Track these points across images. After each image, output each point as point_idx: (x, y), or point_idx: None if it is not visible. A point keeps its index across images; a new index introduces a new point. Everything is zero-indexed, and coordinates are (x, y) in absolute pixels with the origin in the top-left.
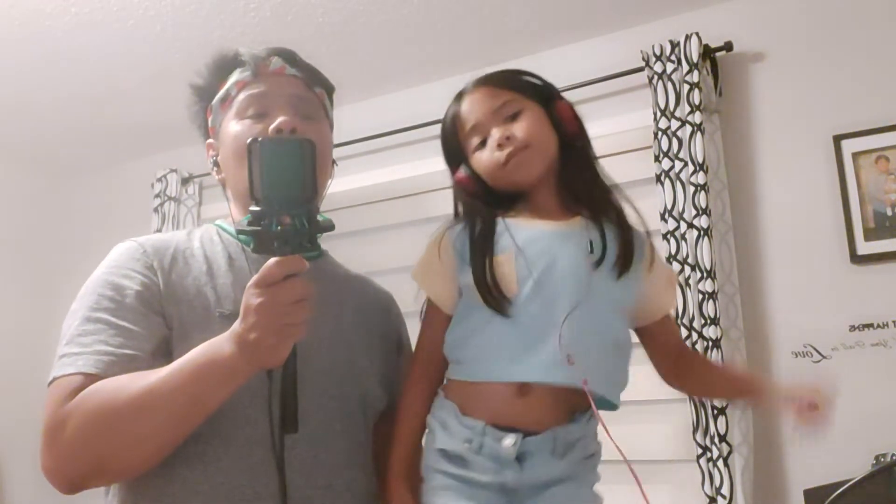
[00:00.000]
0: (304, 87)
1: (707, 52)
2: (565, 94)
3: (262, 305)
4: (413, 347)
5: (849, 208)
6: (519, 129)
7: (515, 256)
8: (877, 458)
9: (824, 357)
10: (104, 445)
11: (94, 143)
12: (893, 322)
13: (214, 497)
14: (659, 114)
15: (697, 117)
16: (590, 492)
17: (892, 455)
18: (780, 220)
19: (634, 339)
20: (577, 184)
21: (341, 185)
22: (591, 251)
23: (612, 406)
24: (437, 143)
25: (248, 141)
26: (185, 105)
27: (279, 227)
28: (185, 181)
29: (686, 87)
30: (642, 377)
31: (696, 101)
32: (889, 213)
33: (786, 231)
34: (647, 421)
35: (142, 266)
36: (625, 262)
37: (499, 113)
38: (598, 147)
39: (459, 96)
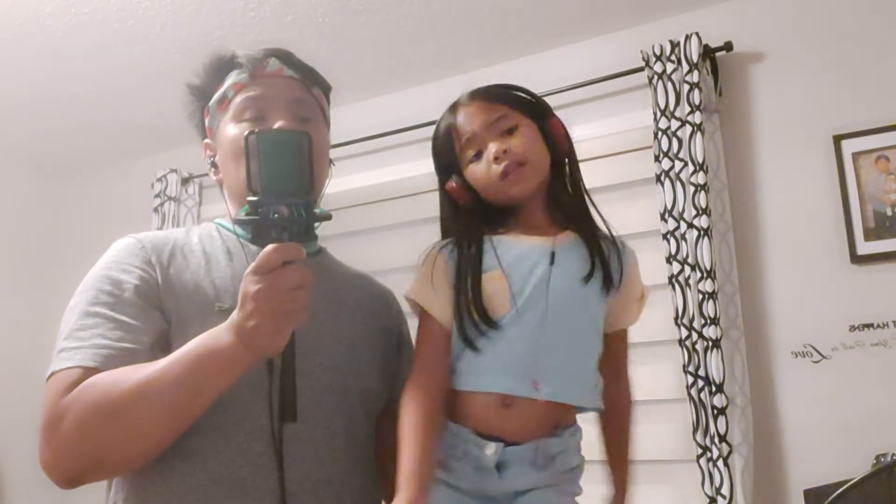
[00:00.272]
0: (301, 89)
1: (707, 52)
2: (565, 95)
3: (261, 292)
4: (413, 346)
5: (849, 208)
6: (516, 144)
7: (505, 274)
8: (877, 458)
9: (824, 357)
10: (102, 438)
11: (94, 143)
12: (893, 322)
13: (215, 490)
14: (659, 114)
15: (697, 117)
16: (569, 500)
17: (892, 455)
18: (780, 220)
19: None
20: (565, 199)
21: (341, 185)
22: (590, 271)
23: (593, 410)
24: None
25: (245, 134)
26: (183, 104)
27: (276, 217)
28: (185, 181)
29: (686, 87)
30: (642, 377)
31: (696, 101)
32: (889, 213)
33: (786, 231)
34: (647, 421)
35: (140, 261)
36: (611, 279)
37: (495, 127)
38: (598, 147)
39: (454, 108)
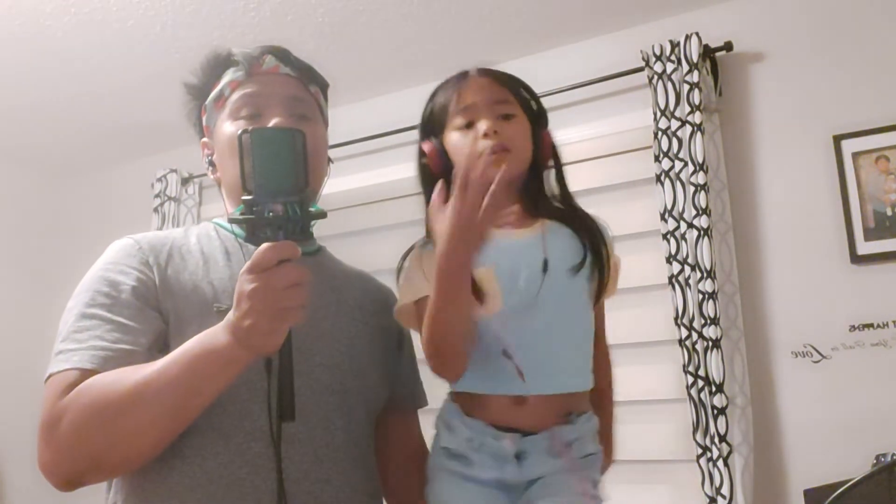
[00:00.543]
0: (298, 87)
1: (707, 52)
2: (565, 95)
3: (256, 290)
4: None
5: (849, 208)
6: (509, 130)
7: (495, 271)
8: (877, 458)
9: (824, 357)
10: (101, 439)
11: (94, 143)
12: (893, 322)
13: (214, 491)
14: (659, 114)
15: (697, 117)
16: (588, 484)
17: (893, 455)
18: (780, 220)
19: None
20: (540, 196)
21: (342, 185)
22: (582, 259)
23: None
24: None
25: (239, 132)
26: (181, 103)
27: (271, 215)
28: (185, 181)
29: (686, 87)
30: (643, 377)
31: (696, 101)
32: (889, 213)
33: (786, 231)
34: (647, 421)
35: (137, 262)
36: (602, 264)
37: (496, 107)
38: (598, 147)
39: (463, 75)
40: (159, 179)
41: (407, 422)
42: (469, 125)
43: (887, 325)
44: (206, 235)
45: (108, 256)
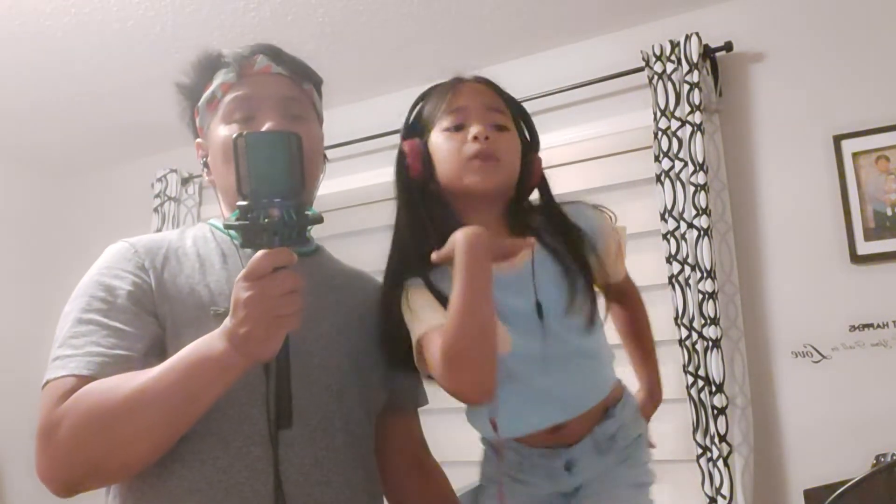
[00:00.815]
0: (291, 86)
1: (707, 52)
2: (565, 95)
3: (252, 298)
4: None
5: (849, 208)
6: (502, 140)
7: (499, 312)
8: (877, 458)
9: (824, 357)
10: (98, 446)
11: (94, 143)
12: (893, 322)
13: (213, 495)
14: (659, 114)
15: (697, 117)
16: (641, 469)
17: (893, 455)
18: (780, 220)
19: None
20: (526, 220)
21: (341, 185)
22: (570, 301)
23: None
24: None
25: (234, 136)
26: (175, 104)
27: (267, 220)
28: (185, 181)
29: (686, 87)
30: None
31: (696, 101)
32: (889, 213)
33: (786, 231)
34: None
35: (133, 266)
36: (590, 281)
37: (490, 114)
38: (598, 147)
39: (459, 78)
40: (159, 179)
41: (407, 421)
42: (458, 128)
43: (887, 325)
44: (202, 237)
45: (104, 261)
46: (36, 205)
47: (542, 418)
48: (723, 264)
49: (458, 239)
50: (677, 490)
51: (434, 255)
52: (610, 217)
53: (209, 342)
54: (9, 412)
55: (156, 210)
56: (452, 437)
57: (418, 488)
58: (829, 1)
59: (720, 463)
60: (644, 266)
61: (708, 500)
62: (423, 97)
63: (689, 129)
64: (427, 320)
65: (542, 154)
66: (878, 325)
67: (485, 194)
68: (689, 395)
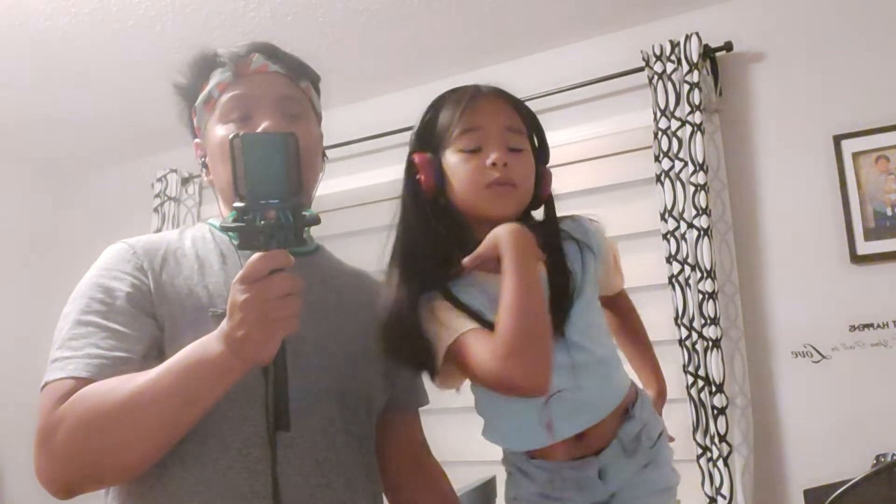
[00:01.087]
0: (288, 85)
1: (707, 52)
2: (565, 95)
3: (248, 301)
4: None
5: (849, 208)
6: (519, 164)
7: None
8: (877, 458)
9: (824, 357)
10: (96, 449)
11: (94, 143)
12: (893, 322)
13: (212, 497)
14: (659, 114)
15: (697, 117)
16: (665, 471)
17: (893, 455)
18: (780, 220)
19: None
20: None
21: (341, 185)
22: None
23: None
24: None
25: (231, 137)
26: (174, 104)
27: (263, 222)
28: (185, 181)
29: (686, 87)
30: None
31: (696, 101)
32: (889, 213)
33: (786, 231)
34: None
35: (132, 267)
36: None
37: (508, 136)
38: (598, 147)
39: (476, 92)
40: (159, 179)
41: (408, 422)
42: (475, 151)
43: (887, 325)
44: (201, 238)
45: (103, 262)
46: (36, 205)
47: (577, 423)
48: (723, 264)
49: (502, 235)
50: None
51: (467, 260)
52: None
53: (206, 345)
54: (8, 413)
55: (156, 210)
56: (452, 437)
57: (419, 488)
58: (829, 1)
59: (720, 463)
60: (644, 266)
61: (708, 500)
62: (435, 105)
63: (689, 129)
64: (459, 327)
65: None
66: (878, 325)
67: (502, 220)
68: (689, 395)
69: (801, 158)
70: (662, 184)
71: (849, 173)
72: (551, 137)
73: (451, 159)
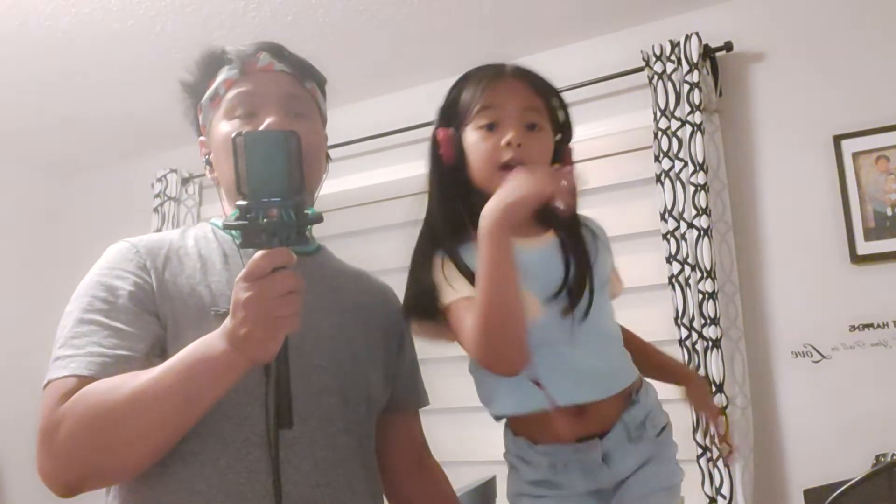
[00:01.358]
0: (293, 84)
1: (707, 52)
2: (565, 95)
3: (251, 299)
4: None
5: (849, 208)
6: (532, 145)
7: (525, 280)
8: (877, 458)
9: (824, 357)
10: (98, 447)
11: (94, 143)
12: (893, 322)
13: (213, 496)
14: (659, 114)
15: (697, 117)
16: (670, 468)
17: (893, 455)
18: (780, 220)
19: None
20: (549, 208)
21: (341, 185)
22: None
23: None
24: None
25: (233, 135)
26: (180, 102)
27: (265, 220)
28: (185, 181)
29: (686, 87)
30: None
31: (696, 101)
32: (889, 213)
33: (786, 231)
34: None
35: (134, 266)
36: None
37: (525, 115)
38: (598, 147)
39: (499, 71)
40: (159, 179)
41: (408, 422)
42: (492, 127)
43: (887, 325)
44: (203, 237)
45: (106, 261)
46: (36, 204)
47: (576, 391)
48: (723, 264)
49: (483, 215)
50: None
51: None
52: None
53: (209, 343)
54: (8, 413)
55: (156, 210)
56: (452, 437)
57: (419, 489)
58: (829, 1)
59: (720, 463)
60: (644, 266)
61: (708, 500)
62: (461, 81)
63: (689, 129)
64: (457, 290)
65: None
66: (878, 325)
67: None
68: None
69: (801, 158)
70: (662, 184)
71: (849, 173)
72: None
73: (470, 136)
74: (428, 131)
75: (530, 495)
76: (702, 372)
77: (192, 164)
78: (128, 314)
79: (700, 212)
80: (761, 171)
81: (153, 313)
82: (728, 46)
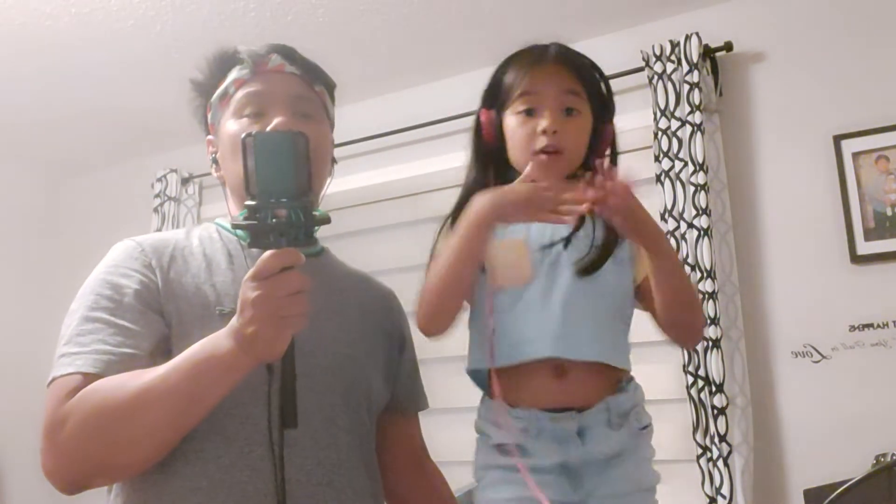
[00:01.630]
0: (303, 86)
1: (707, 52)
2: None
3: (259, 298)
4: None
5: (849, 208)
6: (568, 130)
7: (526, 241)
8: (877, 458)
9: (824, 357)
10: (103, 444)
11: (94, 143)
12: (893, 322)
13: (215, 494)
14: (659, 114)
15: (697, 117)
16: (647, 468)
17: (892, 455)
18: (780, 220)
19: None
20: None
21: (343, 184)
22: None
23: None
24: (439, 143)
25: (243, 135)
26: (187, 100)
27: (274, 220)
28: (185, 181)
29: (686, 87)
30: (643, 377)
31: (696, 101)
32: (889, 213)
33: (786, 231)
34: None
35: (140, 265)
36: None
37: (562, 99)
38: None
39: (542, 55)
40: (159, 179)
41: (408, 424)
42: (530, 112)
43: (887, 325)
44: (208, 237)
45: (111, 259)
46: (37, 204)
47: (537, 346)
48: (723, 264)
49: (470, 205)
50: (677, 490)
51: None
52: None
53: (215, 342)
54: (9, 412)
55: (156, 210)
56: (452, 437)
57: (417, 490)
58: (829, 1)
59: (720, 463)
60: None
61: (708, 500)
62: (505, 64)
63: (689, 129)
64: (440, 249)
65: None
66: (878, 325)
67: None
68: (689, 395)
69: (801, 158)
70: (662, 184)
71: (849, 173)
72: None
73: (510, 120)
74: (428, 131)
75: (497, 466)
76: (702, 372)
77: (192, 164)
78: (133, 312)
79: (700, 212)
80: (761, 171)
81: (158, 312)
82: (728, 46)
